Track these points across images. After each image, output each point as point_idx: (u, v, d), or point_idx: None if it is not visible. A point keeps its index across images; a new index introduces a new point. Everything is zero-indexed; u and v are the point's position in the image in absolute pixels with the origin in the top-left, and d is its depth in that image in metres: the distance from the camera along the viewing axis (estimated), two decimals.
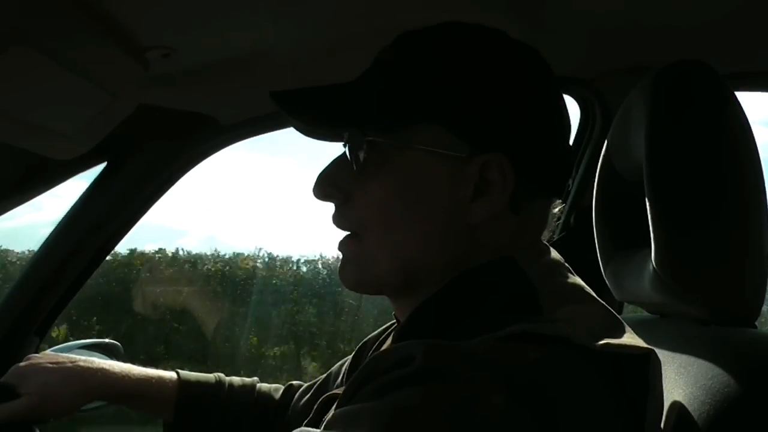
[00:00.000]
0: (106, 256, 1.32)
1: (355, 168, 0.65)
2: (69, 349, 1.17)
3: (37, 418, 0.97)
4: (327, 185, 0.68)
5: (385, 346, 0.68)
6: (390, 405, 0.47)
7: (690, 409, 0.58)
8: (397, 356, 0.51)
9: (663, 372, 0.63)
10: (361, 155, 0.65)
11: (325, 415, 0.59)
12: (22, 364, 1.01)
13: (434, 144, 0.63)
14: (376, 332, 0.93)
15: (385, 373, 0.50)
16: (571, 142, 1.42)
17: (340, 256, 0.70)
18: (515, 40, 0.68)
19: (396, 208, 0.64)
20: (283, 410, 1.06)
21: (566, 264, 0.68)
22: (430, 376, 0.48)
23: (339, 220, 0.68)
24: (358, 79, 0.69)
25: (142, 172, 1.22)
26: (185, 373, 1.07)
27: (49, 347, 1.23)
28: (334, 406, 0.55)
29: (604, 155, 0.88)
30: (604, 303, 0.63)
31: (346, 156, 0.67)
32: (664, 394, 0.60)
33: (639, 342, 0.57)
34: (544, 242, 0.70)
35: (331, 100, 0.68)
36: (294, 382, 1.12)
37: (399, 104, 0.64)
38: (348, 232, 0.68)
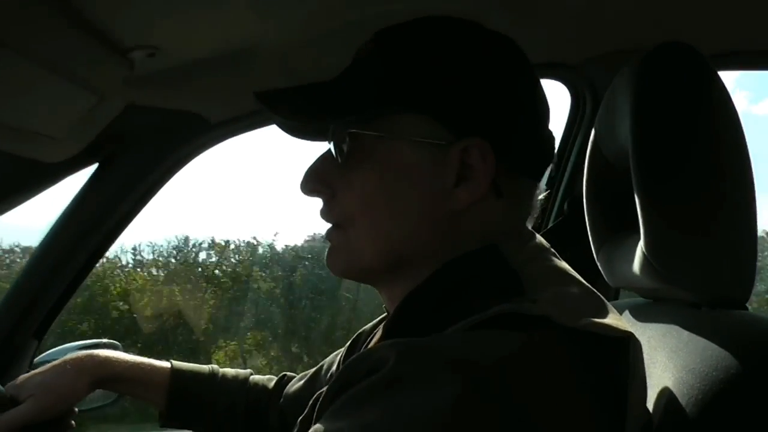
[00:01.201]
0: (101, 257, 1.31)
1: (339, 161, 0.66)
2: (67, 351, 1.17)
3: (46, 419, 0.97)
4: (314, 181, 0.69)
5: (374, 339, 0.69)
6: (359, 423, 0.48)
7: (680, 392, 0.58)
8: (371, 361, 0.52)
9: (654, 356, 0.64)
10: (344, 148, 0.66)
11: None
12: (18, 378, 1.02)
13: (415, 133, 0.64)
14: (370, 324, 0.93)
15: (360, 380, 0.51)
16: (561, 128, 1.44)
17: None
18: (489, 29, 0.69)
19: (380, 198, 0.65)
20: (276, 400, 1.07)
21: (552, 249, 0.69)
22: (400, 382, 0.49)
23: (326, 214, 0.70)
24: (339, 76, 0.70)
25: (134, 172, 1.21)
26: (178, 363, 1.08)
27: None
28: (317, 407, 0.55)
29: (592, 140, 0.88)
30: (588, 285, 0.64)
31: (331, 152, 0.68)
32: (655, 379, 0.61)
33: (621, 324, 0.57)
34: (530, 228, 0.71)
35: (313, 95, 0.69)
36: (287, 374, 1.13)
37: (378, 95, 0.65)
38: (332, 224, 0.70)
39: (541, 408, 0.50)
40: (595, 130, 0.87)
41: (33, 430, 0.95)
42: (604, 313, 0.58)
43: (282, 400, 1.05)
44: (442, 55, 0.65)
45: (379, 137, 0.65)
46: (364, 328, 0.95)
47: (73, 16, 0.76)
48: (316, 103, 0.68)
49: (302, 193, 0.70)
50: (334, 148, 0.67)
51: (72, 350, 1.21)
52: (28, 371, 1.21)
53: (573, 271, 0.66)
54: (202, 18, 0.88)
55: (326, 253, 0.71)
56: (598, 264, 0.89)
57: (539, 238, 0.70)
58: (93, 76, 0.86)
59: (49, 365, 1.00)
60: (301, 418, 0.71)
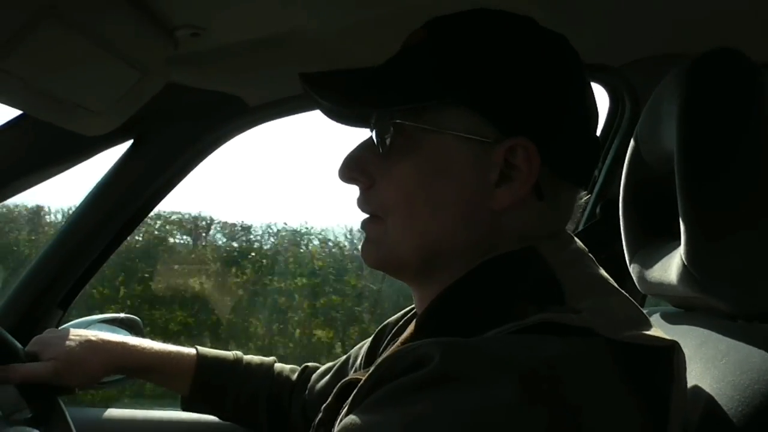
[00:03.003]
0: (130, 233, 1.33)
1: (380, 151, 0.66)
2: (88, 324, 1.19)
3: (60, 385, 0.99)
4: (353, 169, 0.68)
5: (405, 334, 0.68)
6: (406, 413, 0.47)
7: (718, 405, 0.57)
8: (415, 357, 0.51)
9: (691, 366, 0.63)
10: (388, 139, 0.65)
11: (344, 400, 0.59)
12: (43, 334, 1.03)
13: (462, 128, 0.63)
14: (395, 316, 0.93)
15: (402, 374, 0.50)
16: (598, 132, 1.42)
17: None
18: (543, 27, 0.67)
19: (420, 192, 0.64)
20: (299, 391, 1.07)
21: (590, 255, 0.68)
22: (447, 380, 0.48)
23: (363, 204, 0.69)
24: (387, 62, 0.68)
25: (168, 150, 1.23)
26: (204, 350, 1.09)
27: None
28: (350, 399, 0.55)
29: (632, 145, 0.87)
30: (627, 295, 0.63)
31: (373, 140, 0.67)
32: (690, 389, 0.60)
33: (663, 335, 0.56)
34: (569, 233, 0.70)
35: (359, 82, 0.68)
36: (309, 364, 1.13)
37: (428, 87, 0.63)
38: (369, 214, 0.69)
39: (588, 410, 0.49)
40: (637, 133, 0.86)
41: (41, 388, 0.96)
42: (645, 325, 0.57)
43: (307, 393, 1.05)
44: (495, 51, 0.64)
45: (424, 130, 0.64)
46: (389, 320, 0.95)
47: None
48: (365, 89, 0.67)
49: (340, 180, 0.69)
50: (377, 137, 0.66)
51: (94, 323, 1.22)
52: None
53: (611, 279, 0.65)
54: (247, 1, 0.89)
55: (361, 243, 0.71)
56: (630, 270, 0.88)
57: (578, 242, 0.69)
58: (138, 53, 0.86)
59: (81, 337, 1.01)
60: (325, 405, 0.71)
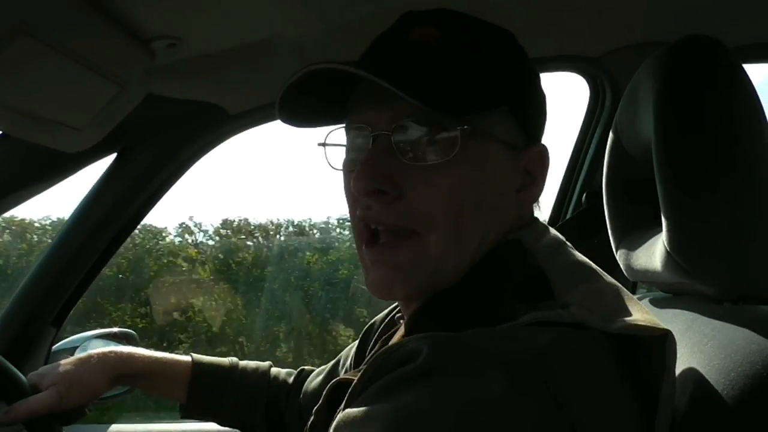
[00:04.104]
0: (119, 246, 1.32)
1: (410, 155, 0.60)
2: (84, 340, 1.19)
3: (65, 411, 0.98)
4: (380, 179, 0.60)
5: (396, 337, 0.68)
6: (397, 408, 0.47)
7: (705, 389, 0.58)
8: (405, 351, 0.51)
9: (677, 350, 0.63)
10: (423, 145, 0.60)
11: (334, 401, 0.59)
12: (39, 369, 1.03)
13: (504, 134, 0.63)
14: (381, 315, 0.93)
15: (392, 370, 0.50)
16: (579, 122, 1.43)
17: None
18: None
19: (469, 201, 0.61)
20: (295, 394, 1.07)
21: (567, 242, 0.68)
22: (436, 373, 0.48)
23: (392, 217, 0.61)
24: (409, 61, 0.62)
25: (152, 162, 1.22)
26: (199, 356, 1.09)
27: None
28: (345, 398, 0.55)
29: (613, 133, 0.88)
30: (612, 279, 0.63)
31: (392, 146, 0.61)
32: (678, 373, 0.60)
33: (654, 320, 0.56)
34: (542, 222, 0.70)
35: (406, 86, 0.58)
36: (306, 367, 1.13)
37: (483, 92, 0.62)
38: (398, 231, 0.62)
39: (577, 400, 0.49)
40: (616, 122, 0.86)
41: (50, 417, 0.96)
42: (635, 309, 0.57)
43: (301, 396, 1.05)
44: (514, 55, 0.66)
45: (469, 135, 0.60)
46: (375, 319, 0.95)
47: (96, 5, 0.76)
48: (434, 96, 0.58)
49: (359, 193, 0.61)
50: (404, 143, 0.61)
51: (89, 339, 1.22)
52: (46, 358, 1.23)
53: (592, 263, 0.65)
54: (223, 9, 0.89)
55: (382, 271, 0.63)
56: (617, 258, 0.88)
57: (552, 230, 0.69)
58: (114, 66, 0.86)
59: (74, 357, 1.02)
60: (316, 408, 0.71)
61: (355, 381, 0.54)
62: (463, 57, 0.62)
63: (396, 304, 0.85)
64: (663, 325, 0.55)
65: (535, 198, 0.65)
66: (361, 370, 0.55)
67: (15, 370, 0.98)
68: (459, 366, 0.48)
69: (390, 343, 0.69)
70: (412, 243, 0.61)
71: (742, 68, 0.70)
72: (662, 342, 0.54)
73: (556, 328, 0.53)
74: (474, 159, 0.60)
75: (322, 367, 1.07)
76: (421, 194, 0.60)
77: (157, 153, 1.21)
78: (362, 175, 0.60)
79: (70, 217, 1.25)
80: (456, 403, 0.46)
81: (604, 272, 0.64)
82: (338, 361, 1.03)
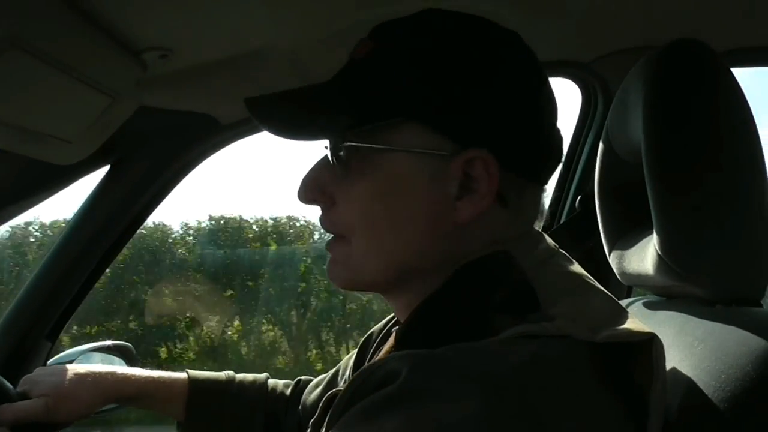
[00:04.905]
0: (114, 258, 1.32)
1: (338, 171, 0.64)
2: (79, 354, 1.18)
3: (52, 422, 0.98)
4: (312, 190, 0.67)
5: (386, 347, 0.68)
6: (378, 430, 0.46)
7: (696, 392, 0.58)
8: (384, 372, 0.51)
9: (669, 354, 0.63)
10: (342, 160, 0.63)
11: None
12: (32, 373, 1.02)
13: (415, 144, 0.61)
14: (379, 325, 0.93)
15: (372, 390, 0.49)
16: (572, 125, 1.44)
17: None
18: (496, 26, 0.66)
19: (380, 212, 0.63)
20: (294, 405, 1.07)
21: (561, 250, 0.67)
22: (414, 396, 0.47)
23: (327, 224, 0.68)
24: (335, 78, 0.66)
25: (146, 173, 1.22)
26: (195, 372, 1.08)
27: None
28: (328, 417, 0.54)
29: (604, 137, 0.88)
30: (603, 289, 0.63)
31: (329, 158, 0.65)
32: (670, 377, 0.60)
33: (641, 327, 0.56)
34: (538, 230, 0.69)
35: (306, 105, 0.66)
36: (303, 377, 1.12)
37: (376, 105, 0.62)
38: (332, 234, 0.68)
39: (559, 416, 0.49)
40: (607, 126, 0.86)
41: (34, 426, 0.95)
42: (623, 319, 0.57)
43: (300, 408, 1.05)
44: (444, 61, 0.62)
45: (377, 149, 0.62)
46: (374, 329, 0.94)
47: (86, 17, 0.76)
48: (308, 116, 0.65)
49: (301, 202, 0.68)
50: (332, 157, 0.64)
51: (84, 353, 1.22)
52: None
53: (585, 273, 0.65)
54: (214, 19, 0.89)
55: (327, 264, 0.69)
56: (611, 262, 0.89)
57: (548, 239, 0.68)
58: (106, 78, 0.86)
59: (70, 371, 1.00)
60: (312, 420, 0.71)
61: (337, 399, 0.54)
62: (370, 70, 0.64)
63: (393, 314, 0.85)
64: (653, 329, 0.55)
65: (483, 205, 0.62)
66: (345, 385, 0.54)
67: None
68: (437, 389, 0.47)
69: (381, 351, 0.69)
70: (342, 245, 0.67)
71: (730, 72, 0.70)
72: (649, 346, 0.54)
73: (540, 341, 0.52)
74: (383, 170, 0.62)
75: (321, 376, 1.07)
76: (344, 205, 0.65)
77: (151, 164, 1.21)
78: (299, 187, 0.67)
79: (65, 230, 1.25)
80: (434, 427, 0.45)
81: (595, 281, 0.64)
82: (337, 371, 1.02)
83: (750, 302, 0.68)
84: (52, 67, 0.76)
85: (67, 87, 0.81)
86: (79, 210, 1.24)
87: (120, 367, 1.08)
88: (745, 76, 1.27)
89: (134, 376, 1.04)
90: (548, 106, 0.66)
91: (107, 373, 1.02)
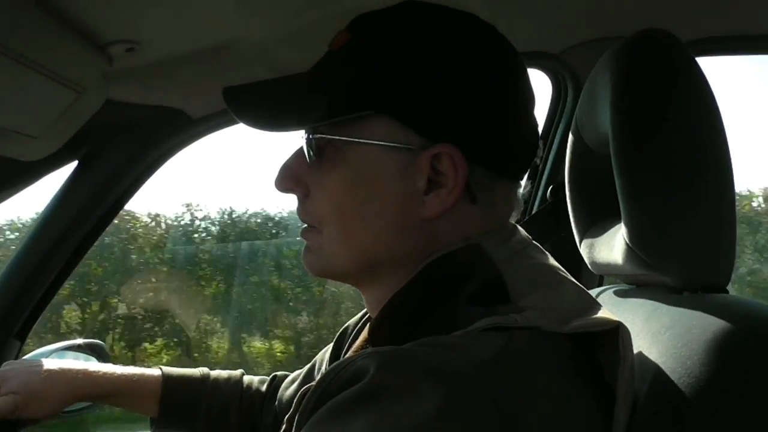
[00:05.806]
0: (83, 256, 1.30)
1: (311, 163, 0.65)
2: (49, 353, 1.16)
3: (21, 418, 0.96)
4: (287, 179, 0.68)
5: (358, 342, 0.68)
6: (345, 431, 0.46)
7: (663, 378, 0.59)
8: (353, 370, 0.50)
9: (637, 341, 0.64)
10: (315, 151, 0.65)
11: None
12: (0, 368, 1.00)
13: (384, 137, 0.62)
14: (354, 318, 0.93)
15: (341, 389, 0.49)
16: (542, 117, 1.44)
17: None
18: (471, 17, 0.66)
19: (350, 203, 0.64)
20: (270, 401, 1.06)
21: (535, 243, 0.68)
22: (381, 393, 0.47)
23: (301, 214, 0.69)
24: (311, 69, 0.67)
25: (115, 169, 1.20)
26: (169, 369, 1.07)
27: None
28: (298, 412, 0.54)
29: (573, 127, 0.89)
30: (574, 281, 0.63)
31: (303, 149, 0.67)
32: (638, 363, 0.61)
33: (609, 317, 0.57)
34: (512, 223, 0.69)
35: (279, 97, 0.67)
36: (278, 373, 1.12)
37: (347, 98, 0.62)
38: (306, 223, 0.69)
39: (524, 408, 0.49)
40: (576, 117, 0.87)
41: (2, 425, 0.94)
42: (592, 310, 0.58)
43: (277, 403, 1.04)
44: (415, 54, 0.62)
45: (348, 141, 0.63)
46: (349, 322, 0.94)
47: (49, 10, 0.75)
48: (286, 106, 0.66)
49: (276, 190, 0.69)
50: (306, 148, 0.66)
51: (55, 351, 1.20)
52: None
53: (557, 264, 0.65)
54: (181, 12, 0.88)
55: (302, 251, 0.70)
56: (582, 252, 0.89)
57: (522, 231, 0.69)
58: (71, 72, 0.84)
59: (41, 368, 0.99)
60: (288, 415, 0.70)
61: (307, 395, 0.54)
62: (343, 63, 0.64)
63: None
64: (622, 317, 0.56)
65: (450, 200, 0.62)
66: (315, 382, 0.54)
67: None
68: (403, 385, 0.48)
69: (354, 346, 0.69)
70: (314, 234, 0.68)
71: (696, 61, 0.71)
72: (615, 334, 0.55)
73: (509, 333, 0.53)
74: (353, 163, 0.63)
75: (297, 372, 1.06)
76: (316, 195, 0.66)
77: (119, 160, 1.19)
78: (276, 176, 0.68)
79: (32, 229, 1.23)
80: (401, 425, 0.45)
81: (566, 273, 0.64)
82: (314, 366, 1.02)
83: (716, 289, 0.69)
84: (12, 60, 0.74)
85: (29, 81, 0.79)
86: (47, 206, 1.22)
87: (92, 364, 1.06)
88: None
89: (107, 373, 1.02)
90: (521, 101, 0.66)
91: (78, 371, 1.01)
